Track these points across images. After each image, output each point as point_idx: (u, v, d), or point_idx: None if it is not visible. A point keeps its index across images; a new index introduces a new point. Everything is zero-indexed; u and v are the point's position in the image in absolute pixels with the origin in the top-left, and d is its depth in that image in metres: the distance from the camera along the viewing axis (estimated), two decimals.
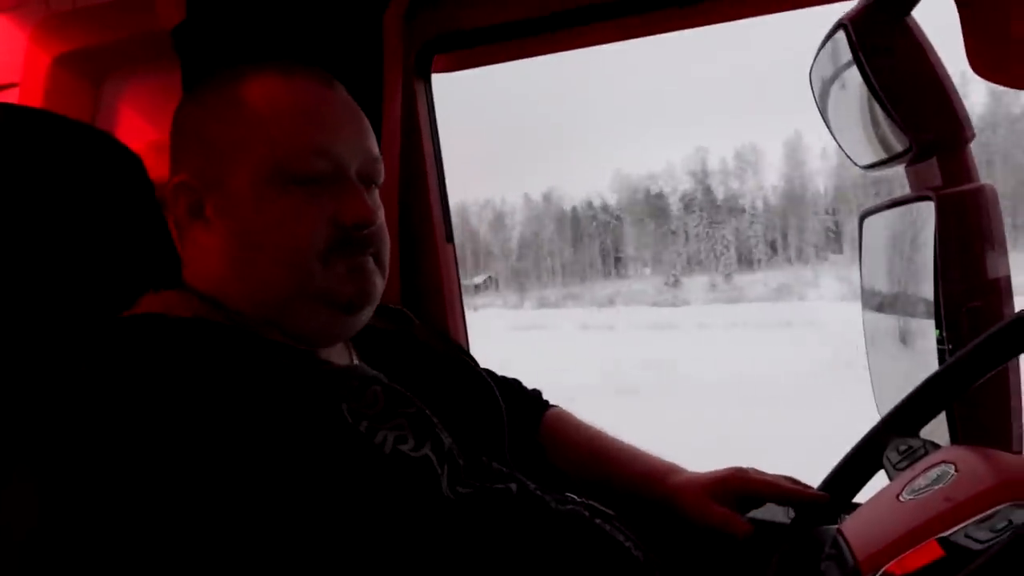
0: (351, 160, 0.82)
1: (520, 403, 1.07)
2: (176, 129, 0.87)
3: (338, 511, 0.68)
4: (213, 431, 0.68)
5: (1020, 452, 1.18)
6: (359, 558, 0.68)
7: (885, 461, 0.84)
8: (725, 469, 0.97)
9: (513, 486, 0.80)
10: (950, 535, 0.62)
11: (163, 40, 1.27)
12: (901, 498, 0.74)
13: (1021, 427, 1.18)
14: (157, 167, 0.91)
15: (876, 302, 1.55)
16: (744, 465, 0.97)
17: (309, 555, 0.67)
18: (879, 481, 0.86)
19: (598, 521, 0.83)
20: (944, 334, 1.24)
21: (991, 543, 0.59)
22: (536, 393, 1.11)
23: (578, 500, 0.86)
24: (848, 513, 0.85)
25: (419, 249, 1.32)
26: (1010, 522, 0.60)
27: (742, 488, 0.94)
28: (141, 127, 1.36)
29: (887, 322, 1.51)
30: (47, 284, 0.87)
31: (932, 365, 1.27)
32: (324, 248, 0.79)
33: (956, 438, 1.17)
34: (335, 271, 0.80)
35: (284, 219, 0.78)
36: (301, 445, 0.69)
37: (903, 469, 0.80)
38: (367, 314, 0.85)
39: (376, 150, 0.85)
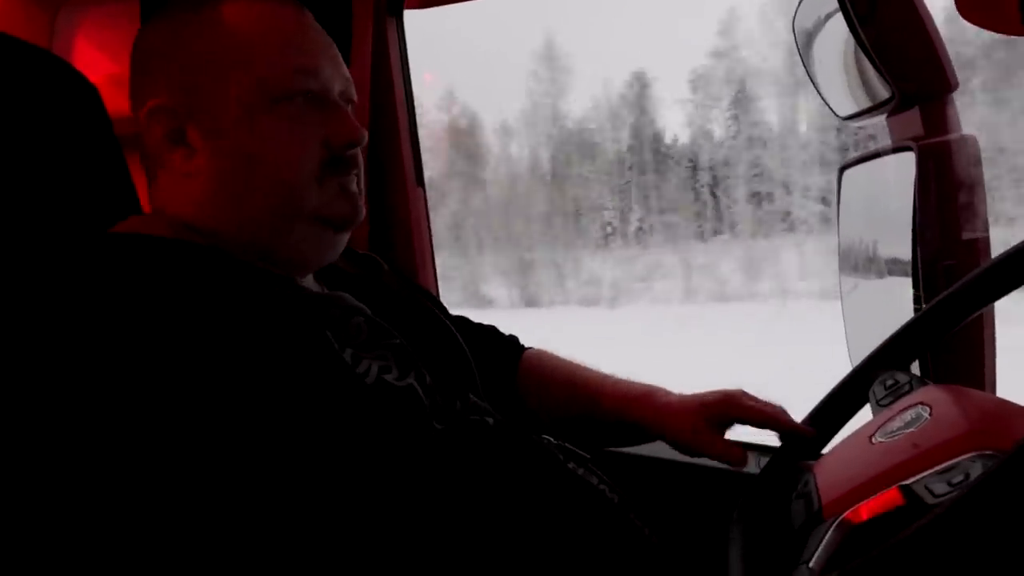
0: (333, 81, 0.83)
1: (496, 348, 1.06)
2: (143, 53, 0.83)
3: (322, 436, 0.67)
4: (197, 349, 0.66)
5: (993, 390, 1.18)
6: (342, 485, 0.68)
7: (871, 395, 0.83)
8: (716, 391, 0.95)
9: (490, 419, 0.80)
10: (912, 483, 0.61)
11: None
12: (873, 440, 0.72)
13: (994, 366, 1.18)
14: (115, 101, 0.87)
15: (852, 257, 1.53)
16: (733, 388, 0.95)
17: (290, 480, 0.66)
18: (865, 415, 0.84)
19: (571, 465, 0.83)
20: (921, 293, 1.23)
21: (943, 498, 0.58)
22: (512, 338, 1.10)
23: (553, 443, 0.86)
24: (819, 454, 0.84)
25: (389, 192, 1.29)
26: (967, 476, 0.59)
27: (734, 414, 0.92)
28: (97, 59, 1.31)
29: (863, 278, 1.50)
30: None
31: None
32: (318, 168, 0.80)
33: (926, 372, 1.16)
34: (328, 190, 0.81)
35: (279, 139, 0.79)
36: (286, 367, 0.68)
37: (886, 405, 0.79)
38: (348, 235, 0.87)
39: (348, 72, 0.86)
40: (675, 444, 0.93)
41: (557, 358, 1.08)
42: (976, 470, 0.59)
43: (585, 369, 1.06)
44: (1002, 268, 0.80)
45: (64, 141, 0.89)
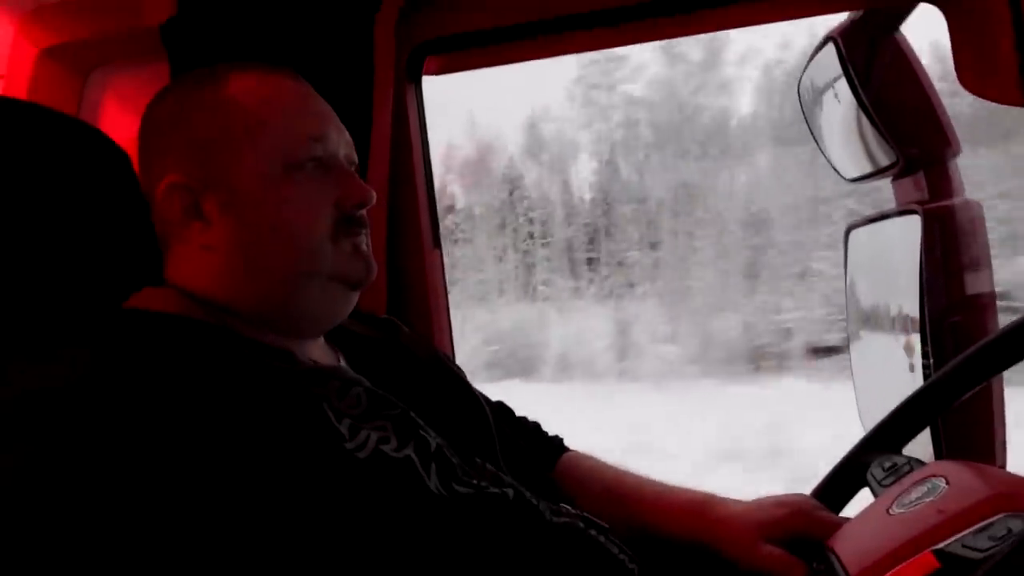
0: (339, 146, 0.86)
1: (534, 445, 1.05)
2: (154, 129, 0.86)
3: (316, 512, 0.68)
4: (191, 429, 0.67)
5: (1004, 464, 1.19)
6: (337, 559, 0.68)
7: (869, 478, 0.83)
8: (783, 503, 0.87)
9: (510, 491, 0.79)
10: (945, 546, 0.62)
11: (151, 35, 1.25)
12: (891, 512, 0.73)
13: (1004, 439, 1.19)
14: None
15: (861, 316, 1.55)
16: (799, 498, 0.88)
17: (282, 555, 0.66)
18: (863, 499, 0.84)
19: (592, 532, 0.82)
20: (928, 348, 1.25)
21: (992, 550, 0.58)
22: (556, 438, 1.08)
23: (573, 512, 0.85)
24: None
25: (406, 255, 1.30)
26: (1010, 530, 0.60)
27: (804, 530, 0.84)
28: (125, 121, 1.34)
29: (872, 336, 1.51)
30: (28, 279, 0.85)
31: (918, 380, 1.28)
32: (331, 229, 0.83)
33: (940, 452, 1.17)
34: (342, 250, 0.83)
35: (295, 204, 0.81)
36: (280, 444, 0.69)
37: (889, 485, 0.79)
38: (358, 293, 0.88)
39: (349, 137, 0.89)
40: (732, 558, 0.86)
41: (599, 463, 1.04)
42: (1018, 525, 0.60)
43: (630, 476, 1.00)
44: (988, 351, 0.81)
45: (95, 206, 0.91)
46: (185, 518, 0.64)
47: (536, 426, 1.09)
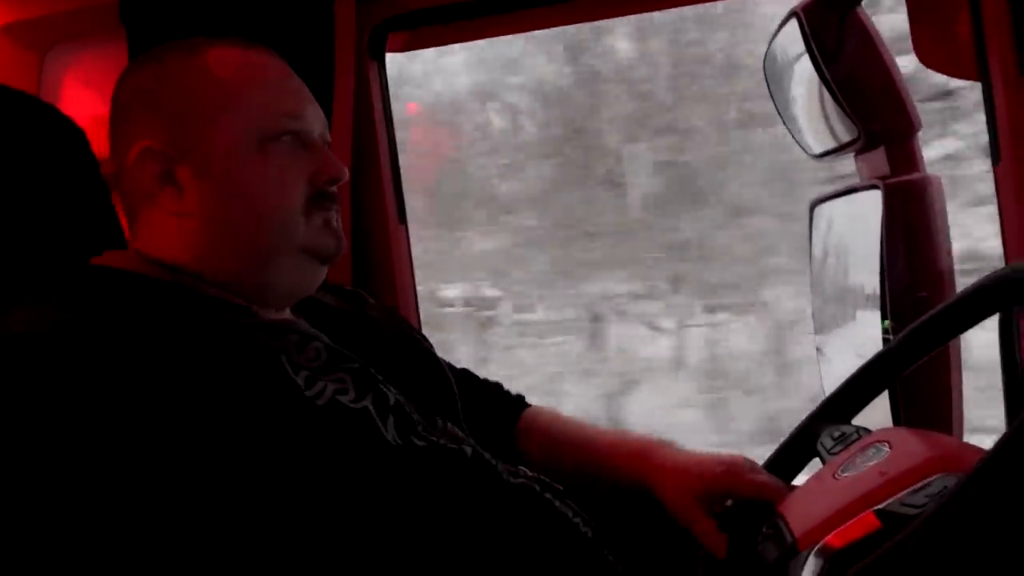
0: (315, 123, 0.87)
1: (496, 404, 1.06)
2: (130, 96, 0.86)
3: (272, 459, 0.70)
4: (148, 379, 0.68)
5: (960, 433, 1.22)
6: (292, 505, 0.70)
7: (819, 447, 0.85)
8: (721, 461, 0.90)
9: (468, 449, 0.81)
10: (886, 506, 0.64)
11: (110, 12, 1.24)
12: (837, 476, 0.75)
13: (961, 411, 1.21)
14: (103, 142, 0.89)
15: (824, 291, 1.57)
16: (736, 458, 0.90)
17: (239, 504, 0.68)
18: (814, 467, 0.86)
19: (548, 495, 0.84)
20: (890, 324, 1.27)
21: (927, 505, 0.60)
22: (518, 396, 1.10)
23: (530, 474, 0.87)
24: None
25: (371, 231, 1.31)
26: (945, 487, 0.62)
27: (731, 492, 0.87)
28: (85, 99, 1.33)
29: (835, 311, 1.53)
30: None
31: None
32: (303, 203, 0.84)
33: (899, 422, 1.19)
34: (314, 224, 0.84)
35: (268, 177, 0.82)
36: (236, 394, 0.71)
37: (837, 453, 0.81)
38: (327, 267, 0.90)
39: (324, 116, 0.90)
40: (669, 510, 0.90)
41: (557, 415, 1.06)
42: (952, 483, 0.61)
43: (585, 427, 1.03)
44: (933, 322, 0.82)
45: (52, 184, 0.90)
46: (141, 468, 0.66)
47: (498, 386, 1.10)
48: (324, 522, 0.70)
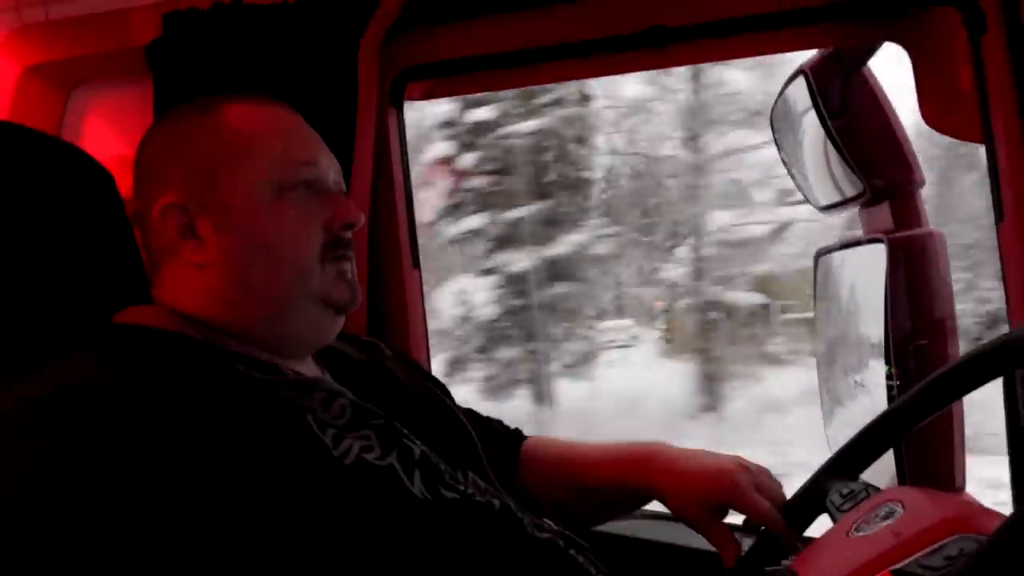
0: (329, 170, 0.90)
1: (498, 441, 1.08)
2: (152, 154, 0.89)
3: (301, 520, 0.70)
4: (179, 438, 0.68)
5: (963, 487, 1.23)
6: (322, 566, 0.70)
7: (828, 504, 0.86)
8: (724, 470, 0.93)
9: (496, 502, 0.82)
10: (904, 566, 0.65)
11: (135, 55, 1.27)
12: (850, 535, 0.76)
13: (964, 464, 1.23)
14: (127, 182, 0.91)
15: (828, 339, 1.60)
16: (740, 469, 0.93)
17: (271, 567, 0.68)
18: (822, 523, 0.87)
19: (572, 552, 0.85)
20: (892, 371, 1.29)
21: (946, 568, 0.61)
22: (516, 430, 1.13)
23: (554, 528, 0.88)
24: (793, 555, 0.86)
25: (386, 276, 1.32)
26: (962, 550, 0.63)
27: (729, 502, 0.92)
28: (108, 140, 1.35)
29: (840, 360, 1.55)
30: (9, 297, 0.86)
31: (882, 402, 1.32)
32: (319, 251, 0.86)
33: (903, 477, 1.21)
34: (328, 274, 0.87)
35: (286, 226, 0.85)
36: (264, 455, 0.71)
37: (847, 511, 0.82)
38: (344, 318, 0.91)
39: (338, 163, 0.93)
40: (674, 514, 0.94)
41: (553, 440, 1.10)
42: (969, 545, 0.63)
43: (580, 445, 1.06)
44: (941, 381, 0.83)
45: (78, 226, 0.92)
46: (174, 524, 0.66)
47: (497, 422, 1.12)
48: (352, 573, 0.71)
